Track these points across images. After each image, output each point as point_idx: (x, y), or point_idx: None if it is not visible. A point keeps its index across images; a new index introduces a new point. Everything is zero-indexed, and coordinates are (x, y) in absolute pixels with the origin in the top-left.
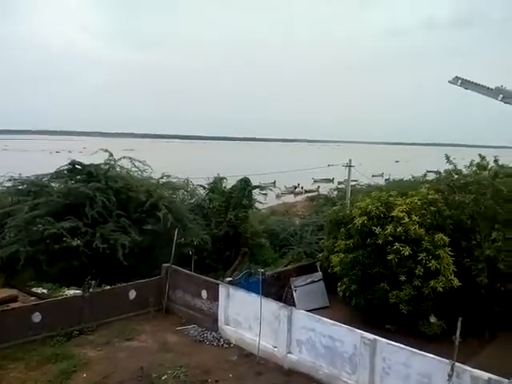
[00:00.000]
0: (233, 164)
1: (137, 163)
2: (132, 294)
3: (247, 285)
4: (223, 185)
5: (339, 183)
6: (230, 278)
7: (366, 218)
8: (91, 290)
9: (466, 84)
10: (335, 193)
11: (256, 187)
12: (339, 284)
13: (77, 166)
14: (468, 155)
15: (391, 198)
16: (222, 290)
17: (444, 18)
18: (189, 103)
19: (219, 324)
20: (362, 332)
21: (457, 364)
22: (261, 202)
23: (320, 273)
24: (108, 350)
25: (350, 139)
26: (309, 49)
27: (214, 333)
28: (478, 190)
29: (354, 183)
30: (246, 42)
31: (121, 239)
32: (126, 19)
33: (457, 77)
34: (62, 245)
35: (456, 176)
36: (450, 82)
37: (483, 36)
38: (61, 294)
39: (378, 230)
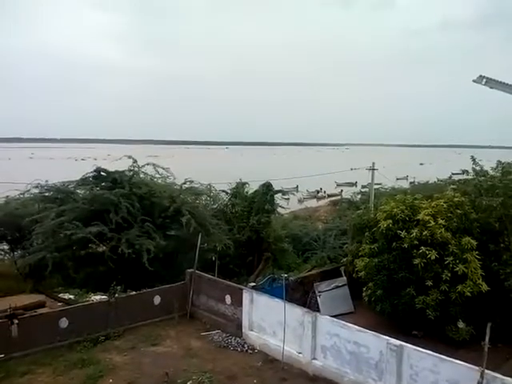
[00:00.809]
0: (254, 169)
1: (160, 170)
2: (157, 300)
3: (271, 290)
4: (245, 190)
5: (363, 187)
6: (254, 283)
7: (390, 221)
8: (117, 295)
9: (491, 83)
10: (359, 196)
11: (278, 192)
12: (364, 289)
13: (102, 173)
14: (494, 157)
15: (416, 201)
16: (246, 295)
17: (460, 19)
18: (209, 109)
19: (243, 329)
20: (388, 338)
21: (486, 371)
22: (283, 207)
23: (344, 278)
24: (133, 356)
25: (363, 141)
26: (321, 51)
27: (238, 338)
28: (505, 192)
29: (377, 186)
30: (260, 47)
31: (146, 244)
32: (146, 27)
33: (481, 76)
34: (88, 251)
35: (483, 178)
36: (474, 81)
37: (504, 35)
38: (87, 299)
39: (403, 233)
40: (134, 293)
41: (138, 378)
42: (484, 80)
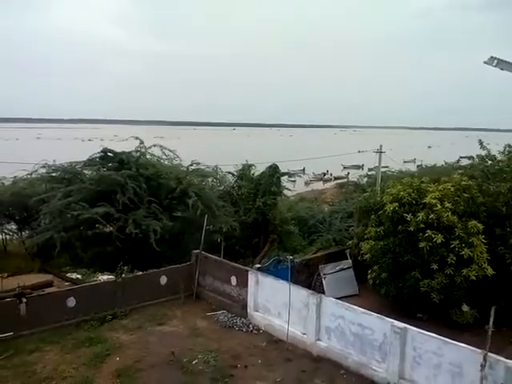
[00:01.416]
0: (260, 150)
1: (166, 151)
2: (163, 280)
3: (276, 272)
4: (252, 172)
5: (369, 170)
6: (259, 265)
7: (397, 204)
8: (124, 275)
9: (502, 64)
10: (365, 179)
11: (284, 174)
12: (369, 272)
13: (109, 154)
14: (502, 140)
15: (423, 185)
16: (252, 277)
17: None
18: (216, 91)
19: (248, 310)
20: (393, 320)
21: (490, 354)
22: (289, 189)
23: (349, 260)
24: (140, 335)
25: (369, 124)
26: (331, 31)
27: (243, 319)
28: None
29: (384, 169)
30: (266, 28)
31: (152, 225)
32: (151, 7)
33: (492, 57)
34: (95, 231)
35: (490, 162)
36: (485, 62)
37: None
38: (94, 279)
39: (409, 216)
40: (141, 273)
41: (145, 356)
42: (495, 61)
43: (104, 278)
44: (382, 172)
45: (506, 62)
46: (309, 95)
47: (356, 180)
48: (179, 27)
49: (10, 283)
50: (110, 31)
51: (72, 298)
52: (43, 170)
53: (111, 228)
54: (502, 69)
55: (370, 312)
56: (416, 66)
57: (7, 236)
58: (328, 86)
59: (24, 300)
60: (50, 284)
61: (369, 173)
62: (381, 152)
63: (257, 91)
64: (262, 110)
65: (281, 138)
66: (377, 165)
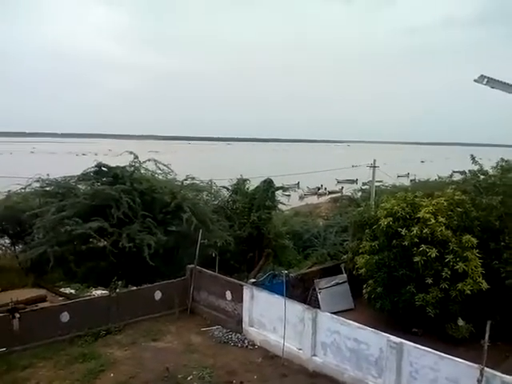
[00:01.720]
0: (255, 165)
1: (161, 166)
2: (158, 295)
3: (271, 286)
4: (246, 186)
5: (363, 184)
6: (254, 280)
7: (391, 219)
8: (118, 290)
9: (493, 83)
10: (359, 194)
11: (279, 188)
12: (364, 286)
13: (103, 169)
14: (494, 155)
15: (417, 199)
16: (247, 292)
17: (463, 16)
18: (211, 106)
19: (243, 325)
20: (388, 335)
21: (486, 369)
22: (284, 204)
23: (345, 275)
24: (134, 350)
25: (363, 139)
26: (322, 49)
27: (238, 334)
28: (505, 191)
29: (378, 184)
30: (261, 43)
31: (146, 239)
32: (148, 23)
33: (482, 75)
34: (89, 245)
35: (482, 177)
36: (475, 80)
37: (505, 33)
38: (88, 294)
39: (403, 231)
40: (135, 288)
41: (139, 372)
42: (485, 80)
43: (98, 292)
44: (375, 186)
45: (495, 80)
46: (304, 111)
47: (350, 194)
48: (175, 42)
49: (3, 298)
50: (104, 45)
51: (66, 313)
52: (37, 185)
53: (105, 242)
54: (492, 87)
55: (365, 327)
56: (410, 81)
57: (0, 250)
58: (321, 101)
59: (17, 315)
60: (43, 299)
61: (363, 187)
62: (374, 166)
63: (255, 106)
64: (258, 125)
65: (276, 153)
66: (371, 179)
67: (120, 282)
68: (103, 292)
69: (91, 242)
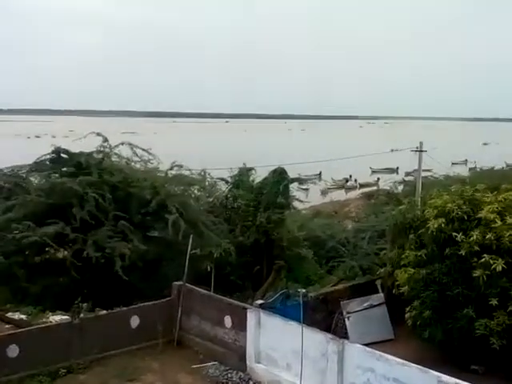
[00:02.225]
0: (263, 150)
1: (139, 151)
2: (134, 321)
3: (284, 310)
4: (251, 178)
5: (406, 174)
6: (262, 301)
7: (443, 220)
8: (82, 315)
9: None
10: (401, 187)
11: (294, 180)
12: (407, 309)
13: (62, 155)
14: None
15: (478, 194)
16: (252, 317)
17: None
18: (205, 73)
19: (248, 361)
20: (440, 374)
21: None
22: (301, 201)
23: (381, 294)
24: None
25: (405, 114)
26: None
27: (240, 373)
28: None
29: (426, 174)
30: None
31: (120, 248)
32: None
33: None
34: (44, 256)
35: None
36: None
37: None
38: (44, 320)
39: (460, 236)
40: (105, 312)
41: None
42: None
43: (56, 318)
44: (423, 177)
45: None
46: (328, 82)
47: (389, 188)
48: None
49: None
50: None
51: (14, 345)
52: None
53: (65, 252)
54: None
55: (409, 363)
56: (472, 46)
57: None
58: (356, 71)
59: None
60: None
61: (406, 178)
62: (421, 151)
63: (262, 73)
64: (265, 98)
65: (289, 134)
66: (416, 168)
67: (85, 305)
68: (63, 318)
69: (47, 253)
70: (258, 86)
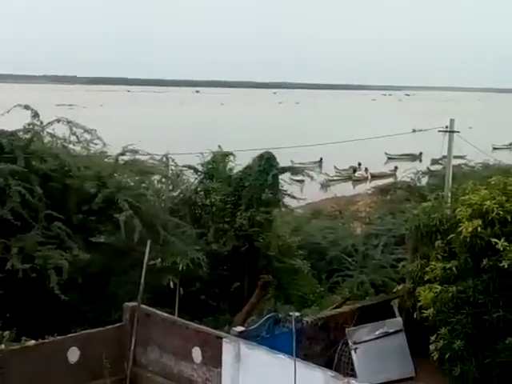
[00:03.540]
0: (244, 129)
1: (79, 131)
2: (73, 355)
3: (272, 339)
4: (229, 166)
5: (432, 162)
6: (242, 328)
7: (480, 222)
8: (3, 346)
9: None
10: (425, 179)
11: (286, 169)
12: (433, 339)
13: None
14: None
15: None
16: (229, 349)
17: None
18: (166, 29)
19: None
20: None
21: None
22: (295, 197)
23: (399, 319)
24: None
25: (430, 84)
26: None
27: None
28: None
29: (458, 162)
30: None
31: (54, 258)
32: None
33: None
34: None
35: None
36: None
37: None
38: None
39: (501, 243)
40: (34, 342)
41: None
42: None
43: None
44: (454, 166)
45: None
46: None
47: (409, 180)
48: None
49: None
50: None
51: None
52: None
53: None
54: None
55: None
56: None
57: None
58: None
59: None
60: None
61: (431, 168)
62: (452, 131)
63: (242, 34)
64: (245, 60)
65: (280, 107)
66: (445, 154)
67: (7, 333)
68: None
69: None
70: (237, 46)
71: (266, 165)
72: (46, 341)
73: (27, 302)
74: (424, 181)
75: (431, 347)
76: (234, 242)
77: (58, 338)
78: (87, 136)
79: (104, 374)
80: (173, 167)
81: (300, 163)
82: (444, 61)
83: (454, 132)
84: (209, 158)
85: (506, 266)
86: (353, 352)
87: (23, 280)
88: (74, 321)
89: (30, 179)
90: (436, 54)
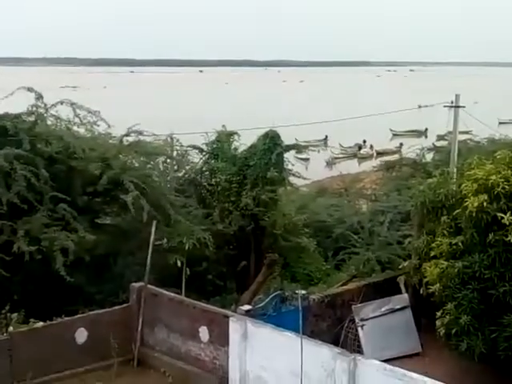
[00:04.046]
0: (248, 108)
1: (83, 113)
2: (81, 335)
3: (278, 317)
4: (233, 145)
5: (438, 138)
6: (249, 307)
7: (486, 197)
8: (11, 328)
9: None
10: (430, 155)
11: (291, 148)
12: (439, 314)
13: None
14: None
15: None
16: (236, 327)
17: None
18: (168, 10)
19: None
20: None
21: None
22: (299, 176)
23: (405, 295)
24: None
25: (434, 59)
26: None
27: None
28: None
29: (464, 137)
30: None
31: (60, 239)
32: None
33: None
34: None
35: None
36: None
37: None
38: None
39: (507, 217)
40: (42, 324)
41: None
42: None
43: None
44: (460, 142)
45: None
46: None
47: (415, 156)
48: None
49: None
50: None
51: None
52: None
53: None
54: None
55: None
56: None
57: None
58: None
59: None
60: None
61: (437, 143)
62: (458, 107)
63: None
64: (249, 39)
65: (284, 86)
66: (451, 130)
67: (15, 315)
68: None
69: None
70: (241, 26)
71: (271, 143)
72: (54, 322)
73: (35, 285)
74: (429, 157)
75: (437, 323)
76: (240, 222)
77: (66, 319)
78: (91, 118)
79: (112, 355)
80: (178, 147)
81: (305, 141)
82: (450, 36)
83: (459, 107)
84: (213, 138)
85: (511, 241)
86: (359, 329)
87: (30, 262)
88: (82, 302)
89: (35, 162)
90: (442, 29)
